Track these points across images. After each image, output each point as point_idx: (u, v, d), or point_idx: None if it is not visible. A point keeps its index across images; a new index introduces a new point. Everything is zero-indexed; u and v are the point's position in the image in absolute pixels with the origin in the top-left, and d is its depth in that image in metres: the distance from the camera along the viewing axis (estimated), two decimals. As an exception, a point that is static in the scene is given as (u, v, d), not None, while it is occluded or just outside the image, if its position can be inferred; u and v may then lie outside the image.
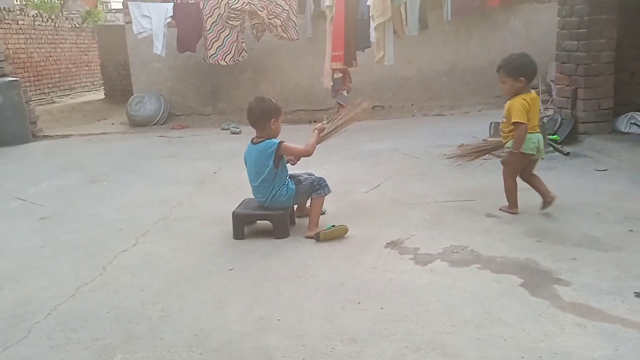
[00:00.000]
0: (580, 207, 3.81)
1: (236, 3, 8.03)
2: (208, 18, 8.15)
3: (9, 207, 4.63)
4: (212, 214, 4.09)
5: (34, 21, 13.28)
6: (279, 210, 3.57)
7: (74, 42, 15.20)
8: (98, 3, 16.88)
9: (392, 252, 3.23)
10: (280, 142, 3.52)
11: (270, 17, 8.17)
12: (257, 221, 3.73)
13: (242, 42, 8.40)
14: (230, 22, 8.15)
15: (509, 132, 3.69)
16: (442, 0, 8.50)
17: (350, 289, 2.77)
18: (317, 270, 3.03)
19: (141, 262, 3.27)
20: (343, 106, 7.74)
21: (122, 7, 12.16)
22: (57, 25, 14.35)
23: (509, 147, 3.68)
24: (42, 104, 12.16)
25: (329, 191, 3.68)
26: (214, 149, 6.78)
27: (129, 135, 8.33)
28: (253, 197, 3.70)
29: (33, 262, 3.38)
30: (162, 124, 8.97)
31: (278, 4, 8.19)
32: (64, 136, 8.30)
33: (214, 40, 8.23)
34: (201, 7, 8.16)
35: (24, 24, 12.78)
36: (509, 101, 3.67)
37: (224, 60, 8.34)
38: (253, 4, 8.04)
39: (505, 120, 3.73)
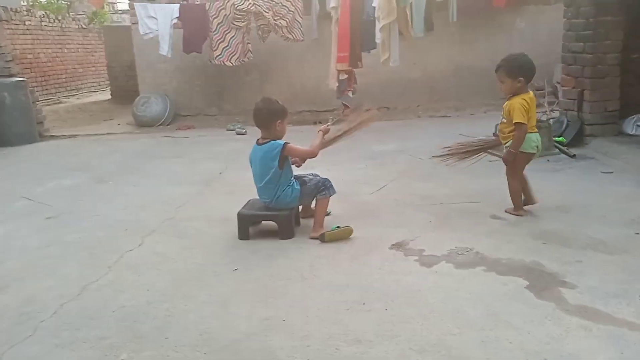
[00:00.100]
0: (586, 210, 3.80)
1: (242, 4, 8.04)
2: (214, 19, 8.17)
3: (15, 207, 4.65)
4: (217, 214, 4.10)
5: (41, 22, 13.34)
6: (284, 211, 3.58)
7: (80, 42, 15.26)
8: (104, 4, 16.95)
9: (397, 253, 3.23)
10: (285, 143, 3.52)
11: (275, 18, 8.18)
12: (262, 222, 3.74)
13: (247, 43, 8.42)
14: (235, 23, 8.16)
15: (509, 133, 3.69)
16: (447, 1, 8.49)
17: (355, 290, 2.77)
18: (322, 271, 3.03)
19: (147, 262, 3.28)
20: (348, 107, 7.76)
21: (128, 8, 12.19)
22: (63, 26, 14.41)
23: (509, 147, 3.68)
24: (48, 104, 12.22)
25: (334, 192, 3.69)
26: (219, 150, 6.79)
27: (135, 135, 8.36)
28: (258, 197, 3.72)
29: (39, 261, 3.39)
30: (167, 125, 8.99)
31: (284, 5, 8.20)
32: (70, 136, 8.33)
33: (219, 41, 8.24)
34: (207, 8, 8.17)
35: (31, 25, 12.84)
36: (508, 101, 3.66)
37: (230, 61, 8.35)
38: (259, 5, 8.05)
39: (504, 120, 3.72)
